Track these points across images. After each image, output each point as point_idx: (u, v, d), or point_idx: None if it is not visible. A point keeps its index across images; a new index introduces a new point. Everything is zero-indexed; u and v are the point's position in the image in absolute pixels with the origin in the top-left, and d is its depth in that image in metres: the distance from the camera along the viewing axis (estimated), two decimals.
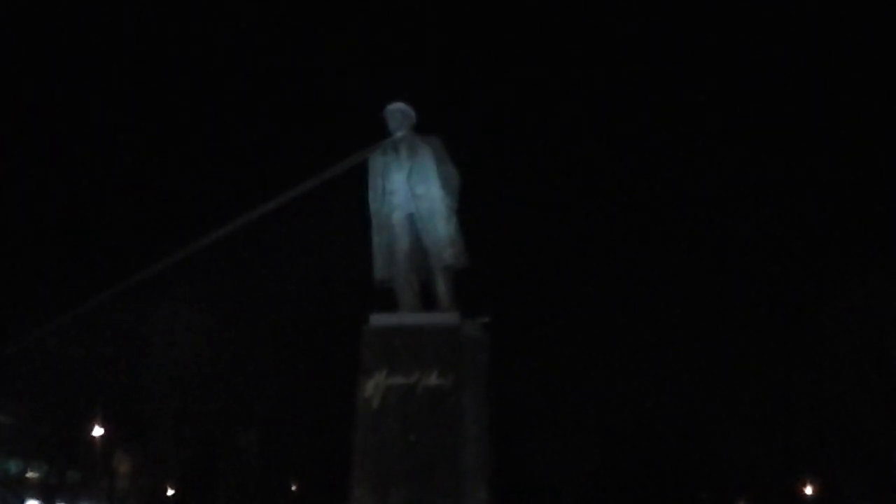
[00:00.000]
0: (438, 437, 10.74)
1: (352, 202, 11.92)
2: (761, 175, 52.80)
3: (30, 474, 48.53)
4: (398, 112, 11.50)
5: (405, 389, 10.79)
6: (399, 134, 11.47)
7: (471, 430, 11.06)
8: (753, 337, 42.51)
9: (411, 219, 11.38)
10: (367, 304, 11.64)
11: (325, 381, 33.90)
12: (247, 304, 37.80)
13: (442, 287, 11.37)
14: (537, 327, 41.12)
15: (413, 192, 11.32)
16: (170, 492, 44.41)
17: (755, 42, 65.50)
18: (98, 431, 40.95)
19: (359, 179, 11.66)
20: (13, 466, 48.17)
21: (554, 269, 48.82)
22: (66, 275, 37.39)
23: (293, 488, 45.19)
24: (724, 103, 62.09)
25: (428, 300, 11.54)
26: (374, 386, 10.88)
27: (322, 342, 35.98)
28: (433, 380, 10.72)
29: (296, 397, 37.53)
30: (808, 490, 44.53)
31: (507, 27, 64.90)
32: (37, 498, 46.46)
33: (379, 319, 11.26)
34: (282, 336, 36.97)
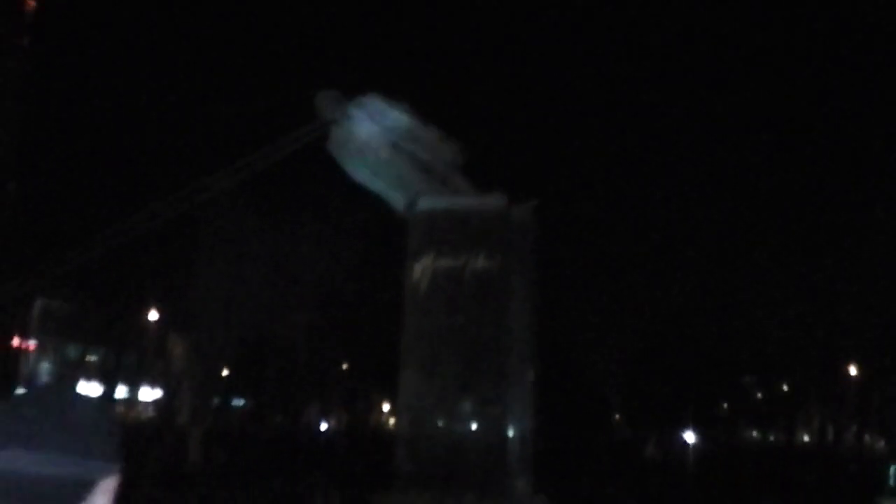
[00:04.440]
0: (485, 320, 10.85)
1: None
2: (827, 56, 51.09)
3: (89, 358, 50.20)
4: (330, 98, 12.02)
5: (453, 272, 10.86)
6: (336, 115, 11.91)
7: (517, 313, 11.16)
8: (800, 220, 42.11)
9: (398, 146, 11.62)
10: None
11: (374, 263, 34.21)
12: (298, 192, 37.97)
13: (459, 181, 11.71)
14: (586, 210, 40.93)
15: (383, 127, 11.63)
16: (224, 372, 45.64)
17: None
18: (152, 316, 41.96)
19: None
20: (72, 351, 49.78)
21: (603, 153, 48.25)
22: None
23: (343, 367, 46.06)
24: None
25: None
26: (421, 269, 10.97)
27: (372, 223, 36.11)
28: (480, 262, 10.78)
29: (345, 278, 37.93)
30: (853, 371, 44.53)
31: None
32: (97, 380, 48.14)
33: (426, 202, 11.27)
34: (332, 219, 37.13)
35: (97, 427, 1.45)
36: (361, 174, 11.88)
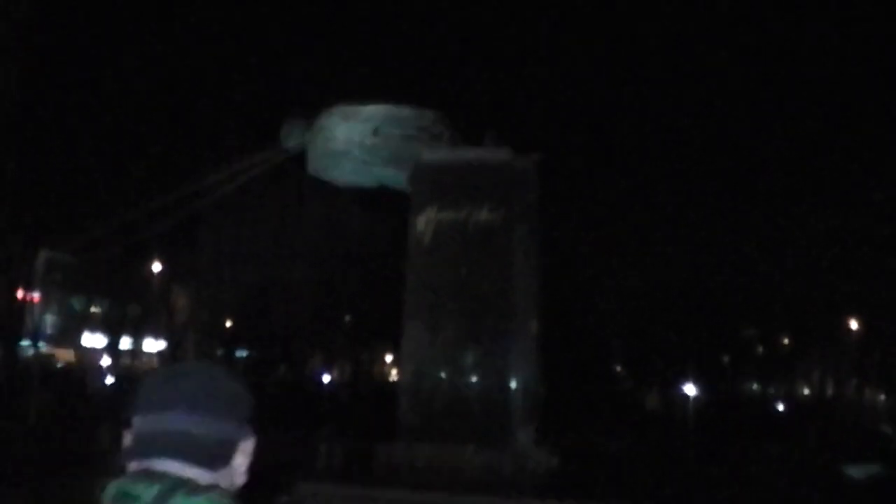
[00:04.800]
0: (489, 272, 10.88)
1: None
2: None
3: (93, 310, 50.48)
4: (295, 125, 12.30)
5: (456, 225, 10.87)
6: (303, 142, 12.10)
7: (521, 265, 11.18)
8: (803, 172, 41.90)
9: (380, 131, 11.68)
10: None
11: (377, 217, 34.18)
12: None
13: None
14: (590, 162, 40.73)
15: (360, 120, 11.82)
16: (228, 324, 45.90)
17: None
18: (156, 268, 42.07)
19: None
20: (76, 303, 50.05)
21: (607, 106, 47.86)
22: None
23: (346, 319, 46.22)
24: None
25: None
26: (425, 221, 10.98)
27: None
28: (484, 215, 10.78)
29: (347, 232, 37.96)
30: (854, 326, 44.68)
31: None
32: (101, 332, 48.47)
33: (430, 155, 11.26)
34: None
35: (238, 397, 1.69)
36: (353, 171, 11.85)
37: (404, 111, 11.66)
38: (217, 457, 1.61)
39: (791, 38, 46.98)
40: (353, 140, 11.62)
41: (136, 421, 1.63)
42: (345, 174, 11.98)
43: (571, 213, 36.58)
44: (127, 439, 1.63)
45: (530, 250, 11.46)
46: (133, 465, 1.60)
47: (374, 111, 11.70)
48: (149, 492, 1.53)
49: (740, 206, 42.81)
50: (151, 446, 1.58)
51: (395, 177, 11.67)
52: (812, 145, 41.11)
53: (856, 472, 12.06)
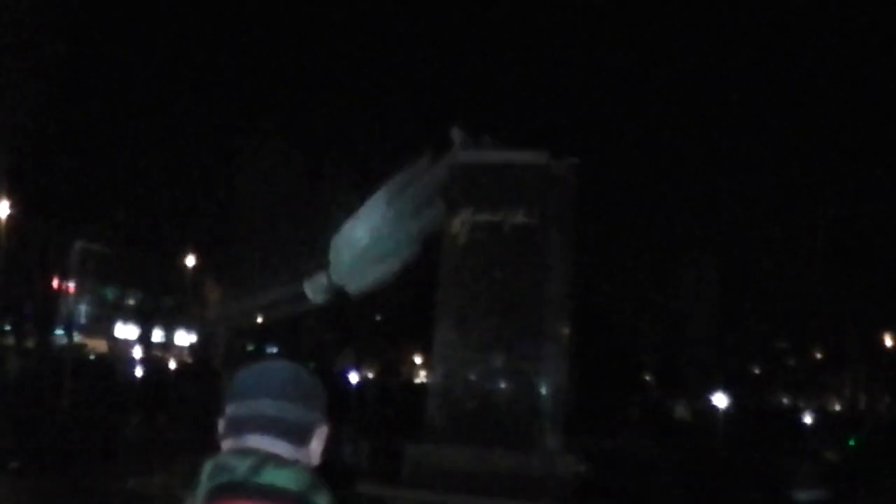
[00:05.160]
0: (523, 275, 10.82)
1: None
2: None
3: (126, 301, 50.94)
4: (317, 284, 12.57)
5: (491, 226, 10.81)
6: (326, 293, 12.42)
7: (555, 268, 11.11)
8: (839, 190, 41.51)
9: (393, 202, 11.60)
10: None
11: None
12: (334, 143, 37.98)
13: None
14: (625, 169, 40.62)
15: (369, 210, 11.76)
16: (259, 319, 46.12)
17: None
18: (190, 261, 42.39)
19: None
20: (110, 293, 50.54)
21: (648, 112, 47.68)
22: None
23: (377, 318, 46.27)
24: None
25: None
26: (460, 222, 10.92)
27: None
28: (519, 217, 10.72)
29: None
30: (888, 342, 44.10)
31: None
32: (135, 322, 48.92)
33: (466, 156, 11.21)
34: (367, 174, 37.26)
35: (316, 389, 1.92)
36: (393, 247, 11.62)
37: (396, 177, 11.56)
38: (298, 437, 1.85)
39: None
40: (375, 224, 11.50)
41: (230, 407, 1.87)
42: (388, 259, 11.71)
43: (607, 220, 36.48)
44: (220, 424, 1.88)
45: (564, 255, 11.40)
46: (228, 443, 1.86)
47: (372, 200, 11.62)
48: (243, 464, 1.78)
49: (775, 218, 42.50)
50: (244, 426, 1.84)
51: (432, 217, 11.49)
52: (849, 160, 40.71)
53: (803, 496, 11.93)
